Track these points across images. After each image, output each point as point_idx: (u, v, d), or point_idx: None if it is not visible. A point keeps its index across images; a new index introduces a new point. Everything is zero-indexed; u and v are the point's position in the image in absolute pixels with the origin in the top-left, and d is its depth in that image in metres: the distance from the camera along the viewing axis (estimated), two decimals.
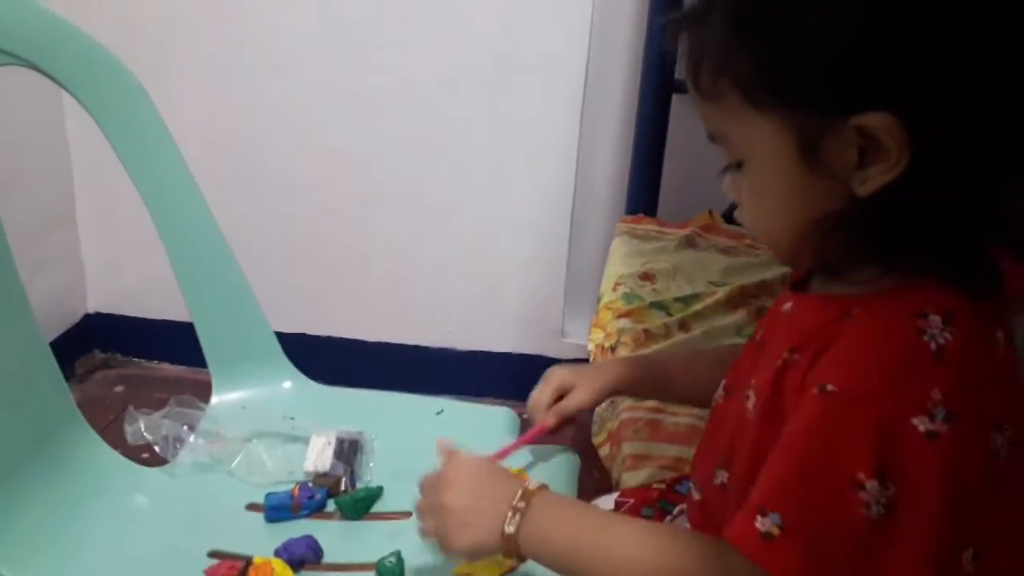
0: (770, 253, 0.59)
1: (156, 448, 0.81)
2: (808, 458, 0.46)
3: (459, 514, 0.58)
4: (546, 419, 0.75)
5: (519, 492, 0.57)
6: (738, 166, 0.51)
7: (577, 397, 0.75)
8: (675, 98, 1.28)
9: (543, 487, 0.58)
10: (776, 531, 0.46)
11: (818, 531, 0.45)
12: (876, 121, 0.45)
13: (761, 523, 0.46)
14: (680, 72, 0.53)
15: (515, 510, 0.56)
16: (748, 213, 0.53)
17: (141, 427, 0.81)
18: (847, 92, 0.45)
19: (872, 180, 0.46)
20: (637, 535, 0.55)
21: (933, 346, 0.45)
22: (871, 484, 0.44)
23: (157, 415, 0.82)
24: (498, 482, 0.60)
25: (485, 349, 1.56)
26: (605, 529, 0.56)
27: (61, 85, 0.79)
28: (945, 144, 0.45)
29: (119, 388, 1.57)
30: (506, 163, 1.43)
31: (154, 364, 1.63)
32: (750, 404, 0.53)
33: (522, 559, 0.57)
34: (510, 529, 0.56)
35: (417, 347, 1.57)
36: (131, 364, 1.63)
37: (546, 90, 1.37)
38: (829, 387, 0.46)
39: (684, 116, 1.29)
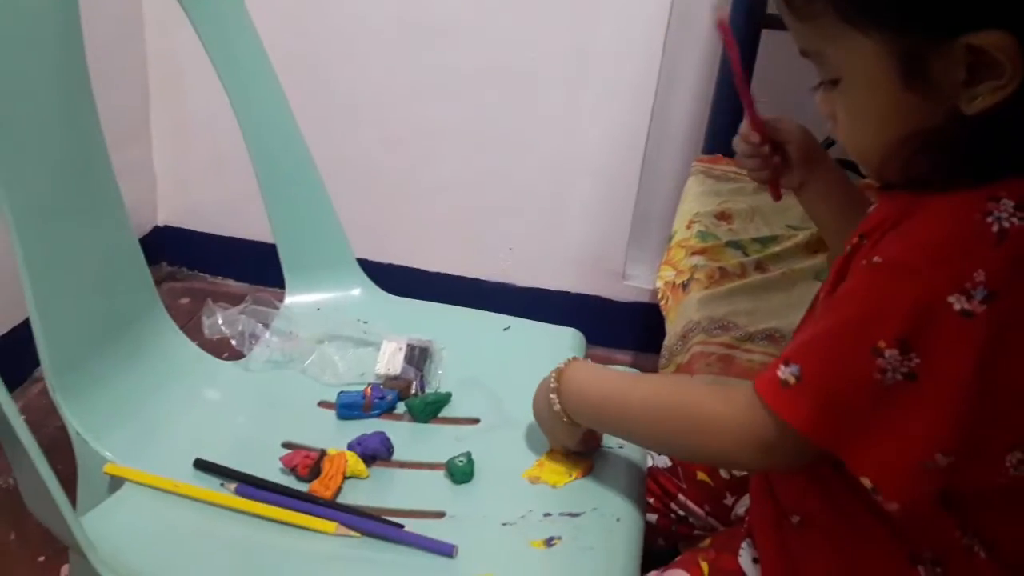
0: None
1: (233, 342, 0.82)
2: (839, 321, 0.48)
3: (539, 421, 0.68)
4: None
5: (553, 375, 0.64)
6: (833, 83, 0.50)
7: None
8: (764, 34, 1.22)
9: (572, 360, 0.65)
10: (793, 380, 0.48)
11: (830, 386, 0.47)
12: (991, 40, 0.43)
13: (782, 371, 0.49)
14: (772, 6, 0.51)
15: (554, 391, 0.64)
16: (843, 130, 0.52)
17: (219, 320, 0.82)
18: (956, 10, 0.43)
19: (982, 98, 0.45)
20: (655, 381, 0.62)
21: (996, 228, 0.44)
22: (890, 353, 0.45)
23: (234, 310, 0.83)
24: (547, 378, 0.66)
25: (544, 287, 1.54)
26: (628, 384, 0.62)
27: None
28: None
29: (184, 300, 1.60)
30: (579, 96, 1.40)
31: (219, 280, 1.66)
32: (820, 292, 0.55)
33: (569, 415, 0.64)
34: (556, 408, 0.64)
35: (476, 280, 1.56)
36: (196, 278, 1.67)
37: (627, 21, 1.33)
38: (876, 259, 0.47)
39: (770, 53, 1.24)
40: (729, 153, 1.31)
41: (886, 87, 0.47)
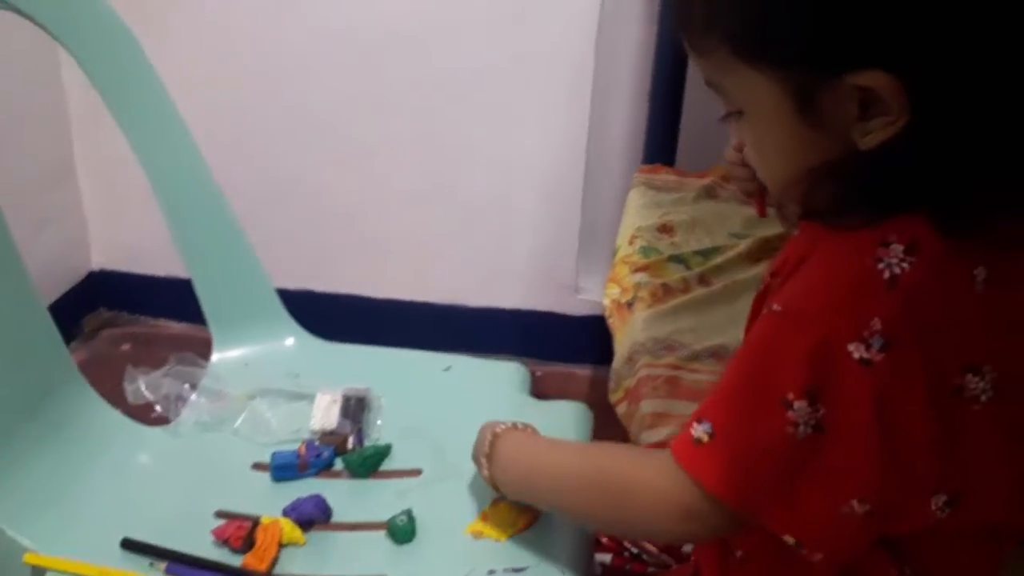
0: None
1: (158, 408, 0.78)
2: (746, 373, 0.47)
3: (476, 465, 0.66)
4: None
5: (488, 440, 0.63)
6: (738, 114, 0.50)
7: None
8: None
9: (509, 429, 0.63)
10: (706, 438, 0.47)
11: (743, 442, 0.47)
12: (872, 80, 0.43)
13: (696, 429, 0.48)
14: (676, 28, 0.51)
15: (486, 456, 0.63)
16: (751, 158, 0.52)
17: (141, 386, 0.78)
18: (840, 50, 0.43)
19: (874, 134, 0.45)
20: (578, 451, 0.61)
21: (887, 274, 0.44)
22: (799, 404, 0.44)
23: (158, 373, 0.80)
24: (482, 435, 0.65)
25: (496, 306, 1.52)
26: (554, 452, 0.61)
27: (42, 27, 0.74)
28: (946, 102, 0.43)
29: (126, 346, 1.55)
30: (517, 112, 1.38)
31: (160, 322, 1.60)
32: (742, 334, 0.54)
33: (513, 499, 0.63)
34: (484, 473, 0.63)
35: (426, 303, 1.53)
36: (137, 322, 1.61)
37: (559, 35, 1.31)
38: (775, 307, 0.46)
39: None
40: (669, 162, 1.30)
41: (783, 121, 0.47)
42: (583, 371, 1.53)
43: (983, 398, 0.46)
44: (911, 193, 0.46)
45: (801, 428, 0.45)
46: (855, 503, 0.45)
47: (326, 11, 1.36)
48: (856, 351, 0.43)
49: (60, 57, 1.44)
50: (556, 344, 1.53)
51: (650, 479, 0.51)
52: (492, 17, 1.33)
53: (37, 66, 1.41)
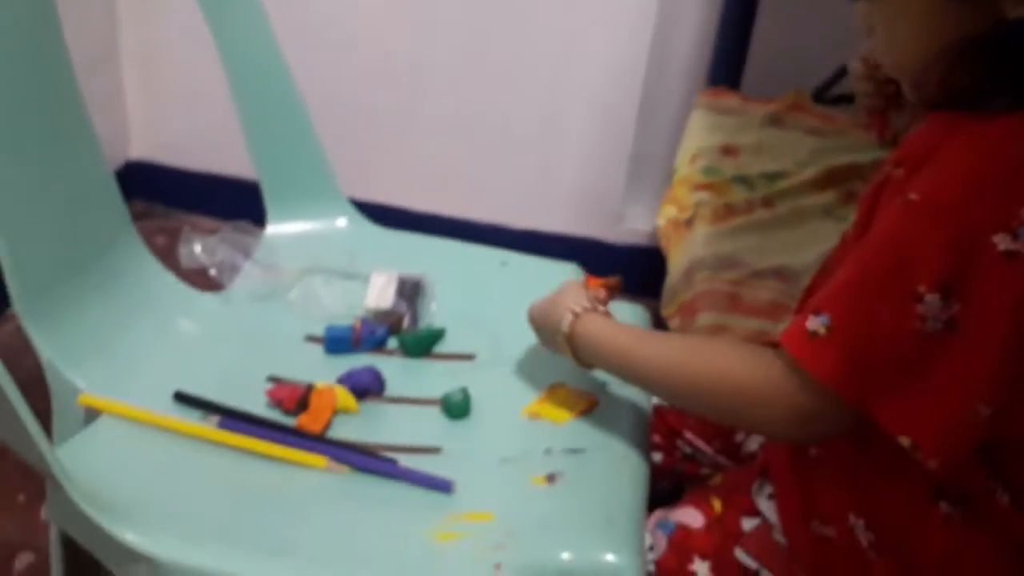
0: (861, 136, 0.54)
1: (211, 271, 0.77)
2: (875, 265, 0.44)
3: (536, 320, 0.66)
4: None
5: (568, 317, 0.60)
6: None
7: None
8: None
9: (588, 311, 0.61)
10: (823, 330, 0.45)
11: (864, 336, 0.44)
12: None
13: (811, 321, 0.45)
14: None
15: (574, 313, 0.60)
16: (881, 42, 0.49)
17: (197, 248, 0.76)
18: None
19: None
20: (675, 340, 0.60)
21: None
22: (931, 298, 0.42)
23: (214, 238, 0.78)
24: (570, 290, 0.64)
25: (539, 229, 1.49)
26: (645, 340, 0.58)
27: None
28: None
29: (159, 239, 1.53)
30: (574, 24, 1.33)
31: (194, 217, 1.58)
32: (849, 227, 0.51)
33: (581, 361, 0.61)
34: (565, 328, 0.60)
35: (468, 222, 1.51)
36: (171, 216, 1.59)
37: None
38: (912, 196, 0.44)
39: None
40: (734, 85, 1.26)
41: None
42: (619, 301, 1.51)
43: None
44: None
45: (931, 323, 0.42)
46: (981, 406, 0.43)
47: None
48: (1002, 243, 0.41)
49: None
50: (596, 272, 1.50)
51: (767, 384, 0.48)
52: None
53: None
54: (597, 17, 1.31)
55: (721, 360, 0.52)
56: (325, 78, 1.43)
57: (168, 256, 0.81)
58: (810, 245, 0.92)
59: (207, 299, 0.78)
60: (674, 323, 0.90)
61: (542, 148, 1.44)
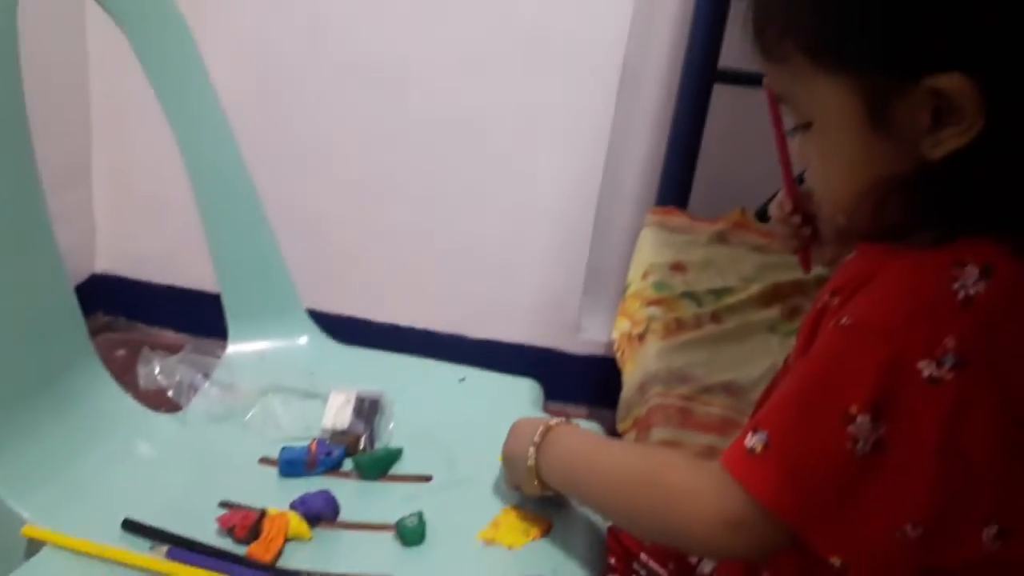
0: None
1: (169, 393, 0.77)
2: (810, 385, 0.46)
3: (508, 462, 0.66)
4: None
5: (540, 428, 0.63)
6: (806, 127, 0.50)
7: None
8: (716, 88, 1.25)
9: (563, 422, 0.64)
10: (760, 447, 0.46)
11: (799, 455, 0.45)
12: (950, 83, 0.43)
13: (750, 439, 0.47)
14: (724, 61, 0.52)
15: (535, 445, 0.62)
16: (814, 174, 0.52)
17: (156, 369, 0.77)
18: (918, 52, 0.44)
19: (945, 143, 0.44)
20: (631, 450, 0.61)
21: (961, 295, 0.44)
22: (862, 419, 0.44)
23: (173, 359, 0.79)
24: (529, 425, 0.65)
25: (498, 339, 1.52)
26: (602, 449, 0.60)
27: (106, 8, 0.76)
28: (1020, 107, 0.43)
29: (121, 352, 1.53)
30: (534, 148, 1.41)
31: (157, 330, 1.59)
32: (791, 354, 0.53)
33: (553, 492, 0.63)
34: (531, 462, 0.62)
35: (428, 332, 1.53)
36: (134, 329, 1.60)
37: (581, 74, 1.34)
38: (844, 320, 0.46)
39: (724, 108, 1.27)
40: (682, 205, 1.33)
41: (855, 131, 0.47)
42: (579, 411, 1.52)
43: None
44: (983, 210, 0.46)
45: (861, 444, 0.44)
46: (908, 527, 0.44)
47: (338, 44, 1.39)
48: (926, 368, 0.43)
49: (89, 63, 1.46)
50: (554, 383, 1.51)
51: (700, 487, 0.49)
52: (512, 53, 1.36)
53: (66, 70, 1.43)
54: (555, 139, 1.39)
55: (667, 465, 0.53)
56: (290, 192, 1.48)
57: (128, 370, 0.81)
58: (757, 360, 0.95)
59: (164, 421, 0.78)
60: (629, 438, 0.92)
61: (501, 260, 1.48)
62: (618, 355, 1.08)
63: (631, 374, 0.99)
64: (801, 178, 0.65)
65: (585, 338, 1.50)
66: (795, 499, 0.45)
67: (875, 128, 0.46)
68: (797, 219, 0.65)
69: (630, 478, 0.55)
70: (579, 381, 1.51)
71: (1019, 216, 0.46)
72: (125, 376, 0.79)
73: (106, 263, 1.58)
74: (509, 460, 0.66)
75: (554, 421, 0.64)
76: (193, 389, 0.79)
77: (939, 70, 0.43)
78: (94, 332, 1.55)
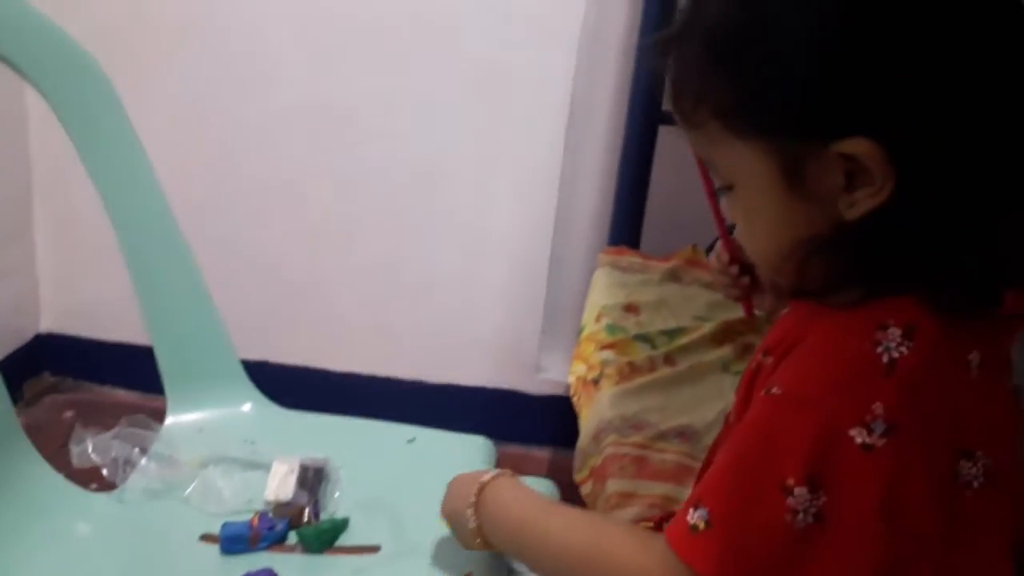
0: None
1: (104, 471, 0.74)
2: (745, 457, 0.46)
3: (450, 521, 0.64)
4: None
5: (475, 488, 0.61)
6: (729, 188, 0.51)
7: None
8: (661, 130, 1.26)
9: (497, 476, 0.62)
10: (702, 524, 0.46)
11: (741, 530, 0.45)
12: (856, 147, 0.44)
13: (692, 516, 0.46)
14: (668, 103, 0.52)
15: (472, 505, 0.60)
16: (741, 233, 0.53)
17: (88, 447, 0.74)
18: (824, 119, 0.45)
19: (859, 204, 0.45)
20: (576, 519, 0.57)
21: (885, 359, 0.44)
22: (799, 491, 0.43)
23: (107, 435, 0.76)
24: (464, 484, 0.63)
25: (458, 383, 1.50)
26: (548, 514, 0.58)
27: (22, 74, 0.74)
28: (930, 170, 0.44)
29: (68, 413, 1.48)
30: (484, 192, 1.41)
31: (106, 389, 1.54)
32: (731, 412, 0.53)
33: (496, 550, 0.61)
34: (472, 525, 0.60)
35: (388, 379, 1.51)
36: (82, 388, 1.55)
37: (529, 117, 1.35)
38: (774, 389, 0.46)
39: (669, 148, 1.28)
40: (634, 245, 1.33)
41: (772, 193, 0.47)
42: (542, 453, 1.51)
43: (975, 484, 0.46)
44: (902, 269, 0.46)
45: (801, 516, 0.43)
46: None
47: (292, 85, 1.38)
48: (858, 436, 0.43)
49: (28, 116, 1.43)
50: (516, 424, 1.51)
51: (641, 563, 0.49)
52: (463, 96, 1.36)
53: (3, 124, 1.40)
54: (507, 180, 1.39)
55: (610, 538, 0.53)
56: (243, 238, 1.46)
57: (75, 433, 0.78)
58: (710, 401, 0.95)
59: (99, 500, 0.75)
60: (586, 489, 0.90)
61: (459, 302, 1.47)
62: (574, 400, 1.06)
63: (587, 421, 0.97)
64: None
65: (545, 378, 1.48)
66: (739, 574, 0.45)
67: (792, 190, 0.47)
68: (735, 269, 0.66)
69: (577, 552, 0.54)
70: (540, 422, 1.49)
71: (938, 273, 0.46)
72: (71, 438, 0.76)
73: (51, 322, 1.54)
74: (450, 519, 0.65)
75: (488, 476, 0.61)
76: (130, 465, 0.76)
77: (845, 135, 0.44)
78: (40, 394, 1.53)
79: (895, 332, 0.44)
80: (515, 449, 1.50)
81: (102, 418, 1.47)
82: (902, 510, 0.44)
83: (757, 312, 0.69)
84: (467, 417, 1.52)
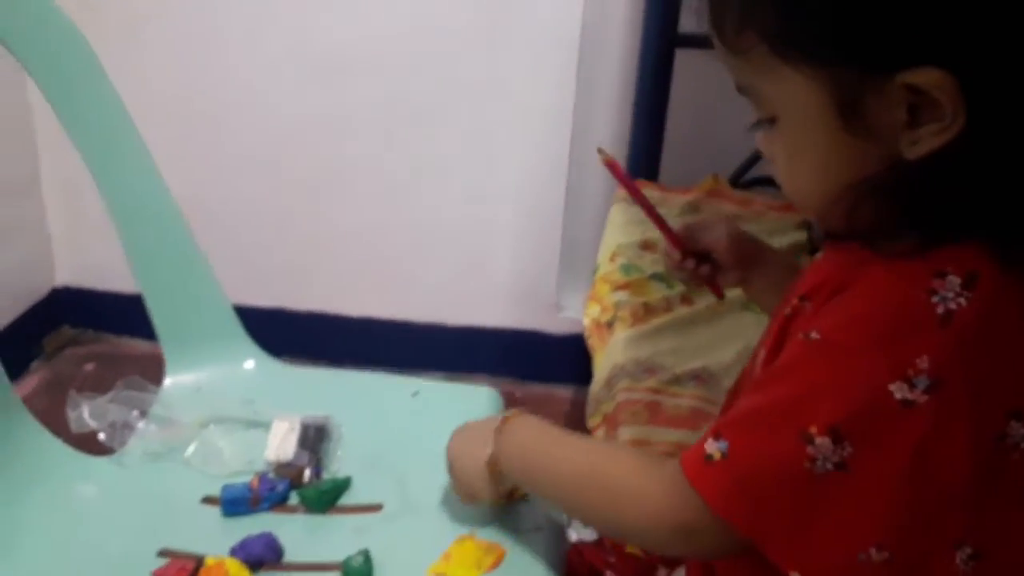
0: (779, 218, 0.54)
1: (100, 436, 0.73)
2: (773, 400, 0.44)
3: (455, 463, 0.62)
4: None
5: (500, 419, 0.60)
6: (771, 122, 0.46)
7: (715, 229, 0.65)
8: (678, 53, 1.18)
9: (523, 412, 0.60)
10: (718, 455, 0.45)
11: (755, 469, 0.44)
12: (927, 78, 0.39)
13: (710, 445, 0.45)
14: (685, 25, 0.47)
15: (495, 432, 0.59)
16: (781, 172, 0.48)
17: (84, 413, 0.73)
18: (893, 46, 0.40)
19: (924, 142, 0.41)
20: (589, 445, 0.57)
21: (941, 309, 0.41)
22: (821, 441, 0.42)
23: (103, 399, 0.75)
24: (485, 422, 0.62)
25: (476, 324, 1.48)
26: (564, 441, 0.57)
27: None
28: (1005, 104, 0.40)
29: (89, 366, 1.49)
30: (495, 128, 1.34)
31: (125, 340, 1.55)
32: (759, 360, 0.50)
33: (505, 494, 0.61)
34: (488, 449, 0.59)
35: (405, 323, 1.49)
36: (102, 340, 1.56)
37: (537, 47, 1.27)
38: (813, 334, 0.43)
39: (688, 73, 1.20)
40: (652, 177, 1.27)
41: (823, 128, 0.43)
42: (564, 392, 1.48)
43: (1022, 445, 0.43)
44: (966, 215, 0.42)
45: (820, 463, 0.42)
46: (873, 550, 0.42)
47: (299, 31, 1.32)
48: (898, 391, 0.40)
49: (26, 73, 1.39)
50: (536, 364, 1.48)
51: (653, 489, 0.48)
52: (468, 34, 1.29)
53: (2, 80, 1.36)
54: (517, 116, 1.33)
55: (616, 465, 0.52)
56: (251, 192, 1.42)
57: (99, 385, 0.77)
58: (729, 342, 0.91)
59: (100, 464, 0.74)
60: (599, 436, 0.88)
61: (473, 244, 1.43)
62: (589, 342, 1.03)
63: (599, 366, 0.94)
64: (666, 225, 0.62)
65: (565, 316, 1.45)
66: (749, 511, 0.44)
67: (847, 125, 0.42)
68: (691, 262, 0.64)
69: (585, 474, 0.54)
70: (562, 361, 1.47)
71: (1006, 221, 0.42)
72: (94, 388, 0.75)
73: (66, 275, 1.54)
74: (457, 462, 0.63)
75: (513, 412, 0.61)
76: (129, 428, 0.75)
77: (914, 64, 0.39)
78: (60, 347, 1.54)
79: (954, 281, 0.41)
80: (538, 389, 1.48)
81: (123, 369, 1.49)
82: (935, 467, 0.41)
83: (726, 292, 0.67)
84: (487, 359, 1.51)
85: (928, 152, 0.41)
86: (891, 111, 0.41)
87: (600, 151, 0.62)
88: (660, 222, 0.64)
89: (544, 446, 0.58)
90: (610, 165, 0.63)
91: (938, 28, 0.39)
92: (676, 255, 0.64)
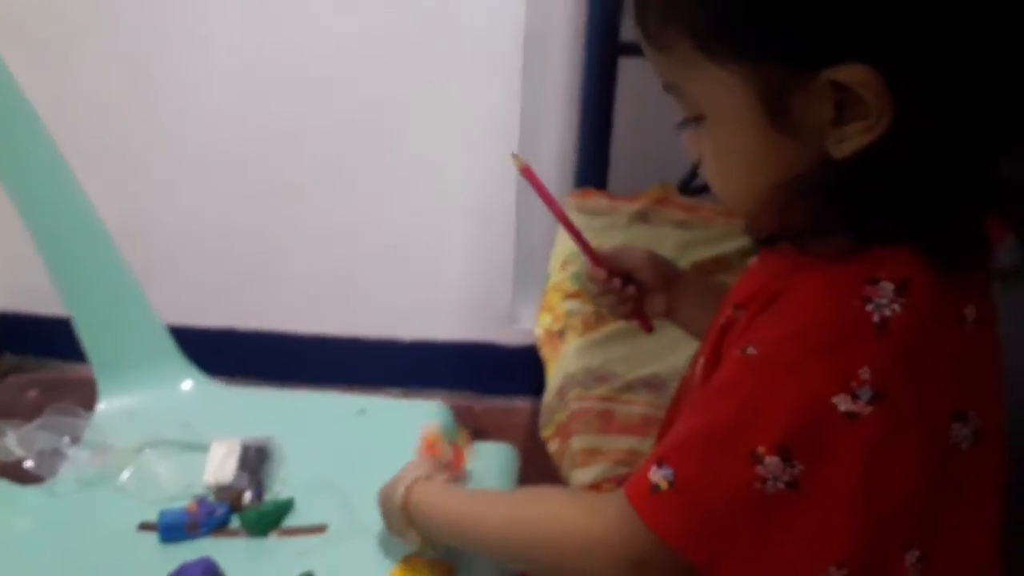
0: (727, 224, 0.54)
1: (27, 464, 0.70)
2: (716, 421, 0.43)
3: (382, 505, 0.62)
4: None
5: (400, 498, 0.58)
6: (697, 120, 0.45)
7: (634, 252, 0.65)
8: (622, 62, 1.19)
9: (415, 482, 0.59)
10: (665, 484, 0.43)
11: (705, 495, 0.42)
12: (852, 75, 0.38)
13: (654, 474, 0.44)
14: (627, 33, 0.46)
15: (406, 487, 0.59)
16: (709, 172, 0.47)
17: (11, 441, 0.70)
18: (819, 42, 0.39)
19: (850, 140, 0.40)
20: (516, 497, 0.55)
21: (876, 317, 0.40)
22: (770, 460, 0.40)
23: (31, 426, 0.72)
24: (412, 464, 0.61)
25: (431, 339, 1.46)
26: (479, 501, 0.56)
27: None
28: (931, 101, 0.39)
29: (33, 392, 1.44)
30: (443, 140, 1.33)
31: (70, 365, 1.49)
32: (698, 369, 0.49)
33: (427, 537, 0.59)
34: (398, 502, 0.58)
35: (357, 339, 1.46)
36: (46, 366, 1.50)
37: (480, 57, 1.27)
38: (750, 350, 0.42)
39: (633, 81, 1.20)
40: (600, 186, 1.27)
41: (751, 126, 0.42)
42: (523, 404, 1.47)
43: (964, 446, 0.43)
44: (895, 214, 0.41)
45: (770, 483, 0.40)
46: (833, 568, 0.41)
47: (239, 47, 1.30)
48: (843, 404, 0.39)
49: None
50: (494, 377, 1.47)
51: (592, 526, 0.46)
52: (411, 45, 1.28)
53: None
54: (465, 129, 1.31)
55: (555, 507, 0.50)
56: (191, 209, 1.39)
57: (41, 412, 0.74)
58: (680, 348, 0.90)
59: (30, 494, 0.71)
60: (553, 446, 0.87)
61: (425, 257, 1.41)
62: (542, 352, 1.02)
63: (552, 376, 0.93)
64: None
65: (520, 327, 1.44)
66: (704, 540, 0.42)
67: (774, 123, 0.41)
68: (617, 282, 0.63)
69: (523, 528, 0.51)
70: (520, 372, 1.45)
71: (935, 221, 0.41)
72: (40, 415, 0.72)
73: (6, 300, 1.48)
74: (382, 506, 0.62)
75: (404, 485, 0.59)
76: (59, 455, 0.72)
77: (840, 61, 0.38)
78: (3, 375, 1.48)
79: (887, 287, 0.40)
80: (497, 402, 1.47)
81: (68, 395, 1.43)
82: (885, 478, 0.40)
83: (653, 324, 0.66)
84: (445, 373, 1.48)
85: (855, 151, 0.40)
86: (817, 108, 0.40)
87: (514, 156, 0.61)
88: (578, 237, 0.62)
89: (466, 512, 0.56)
90: (525, 172, 0.62)
91: (864, 24, 0.38)
92: (601, 273, 0.62)
